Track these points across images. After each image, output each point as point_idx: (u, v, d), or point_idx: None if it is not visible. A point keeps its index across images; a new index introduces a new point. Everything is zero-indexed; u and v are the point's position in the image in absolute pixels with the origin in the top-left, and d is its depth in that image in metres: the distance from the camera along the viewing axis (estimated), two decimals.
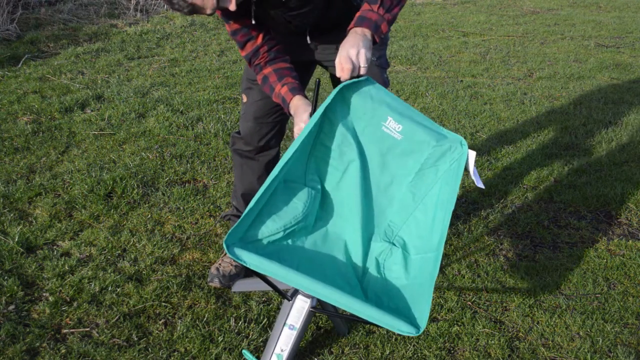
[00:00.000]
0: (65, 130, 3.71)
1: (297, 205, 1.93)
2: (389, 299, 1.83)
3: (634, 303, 2.35)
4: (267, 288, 1.97)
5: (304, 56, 2.27)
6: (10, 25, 5.64)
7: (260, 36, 2.07)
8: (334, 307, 1.98)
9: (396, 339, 2.12)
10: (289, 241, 1.92)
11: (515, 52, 5.93)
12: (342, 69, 1.81)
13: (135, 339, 2.08)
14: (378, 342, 2.10)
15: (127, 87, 4.50)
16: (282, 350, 1.87)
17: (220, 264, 2.42)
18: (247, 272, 2.43)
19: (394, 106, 1.93)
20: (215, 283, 2.36)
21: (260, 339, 2.09)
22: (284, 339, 1.87)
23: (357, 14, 1.92)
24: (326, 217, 2.03)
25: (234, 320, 2.18)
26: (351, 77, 1.83)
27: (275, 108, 2.32)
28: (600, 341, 2.14)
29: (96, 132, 3.70)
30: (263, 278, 1.86)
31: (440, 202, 1.90)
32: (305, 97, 2.02)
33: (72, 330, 2.11)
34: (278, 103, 2.10)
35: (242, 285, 2.22)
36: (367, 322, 1.77)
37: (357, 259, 1.98)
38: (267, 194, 1.80)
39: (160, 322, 2.17)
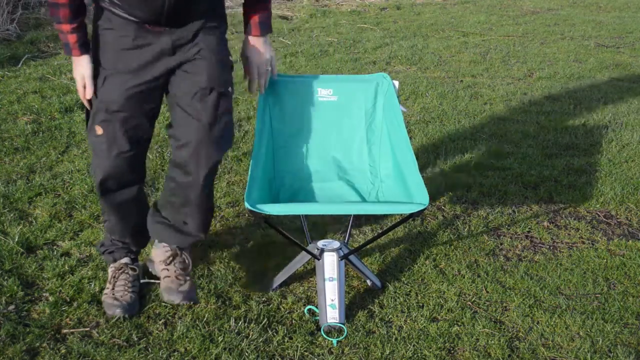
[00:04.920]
0: (65, 130, 3.71)
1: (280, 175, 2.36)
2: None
3: (634, 303, 2.35)
4: (295, 268, 2.35)
5: (156, 66, 2.05)
6: (10, 25, 5.63)
7: None
8: (356, 257, 2.36)
9: (396, 339, 2.12)
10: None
11: (515, 52, 5.94)
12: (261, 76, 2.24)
13: (135, 339, 2.08)
14: (378, 342, 2.10)
15: None
16: (332, 300, 2.13)
17: (114, 294, 2.21)
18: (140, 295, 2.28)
19: (315, 78, 2.40)
20: (118, 313, 2.15)
21: (260, 339, 2.10)
22: (330, 291, 2.15)
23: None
24: (309, 186, 2.40)
25: (234, 320, 2.18)
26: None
27: (140, 132, 2.11)
28: (600, 341, 2.14)
29: None
30: (290, 240, 2.24)
31: (388, 126, 2.35)
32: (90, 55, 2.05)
33: (72, 330, 2.11)
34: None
35: (279, 279, 2.37)
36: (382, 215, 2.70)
37: (357, 197, 2.38)
38: (258, 162, 2.17)
39: (160, 322, 2.17)
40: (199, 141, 2.08)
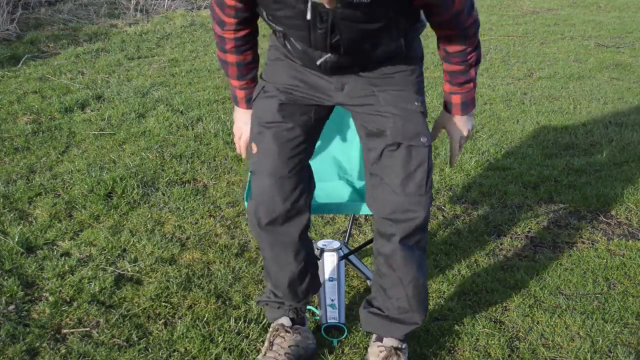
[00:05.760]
0: (65, 130, 3.71)
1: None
2: None
3: (634, 303, 2.35)
4: None
5: (323, 100, 1.89)
6: (10, 25, 5.64)
7: (246, 31, 1.86)
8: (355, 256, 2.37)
9: None
10: None
11: (515, 52, 5.94)
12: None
13: (135, 339, 2.08)
14: None
15: (127, 87, 4.50)
16: (332, 301, 2.13)
17: None
18: None
19: None
20: None
21: (260, 339, 2.10)
22: (330, 291, 2.15)
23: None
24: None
25: (234, 320, 2.18)
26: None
27: (297, 149, 1.85)
28: (600, 341, 2.14)
29: (96, 132, 3.70)
30: None
31: None
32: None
33: (72, 330, 2.12)
34: (296, 136, 1.86)
35: None
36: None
37: (357, 197, 2.31)
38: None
39: (160, 322, 2.17)
40: (394, 203, 1.81)
